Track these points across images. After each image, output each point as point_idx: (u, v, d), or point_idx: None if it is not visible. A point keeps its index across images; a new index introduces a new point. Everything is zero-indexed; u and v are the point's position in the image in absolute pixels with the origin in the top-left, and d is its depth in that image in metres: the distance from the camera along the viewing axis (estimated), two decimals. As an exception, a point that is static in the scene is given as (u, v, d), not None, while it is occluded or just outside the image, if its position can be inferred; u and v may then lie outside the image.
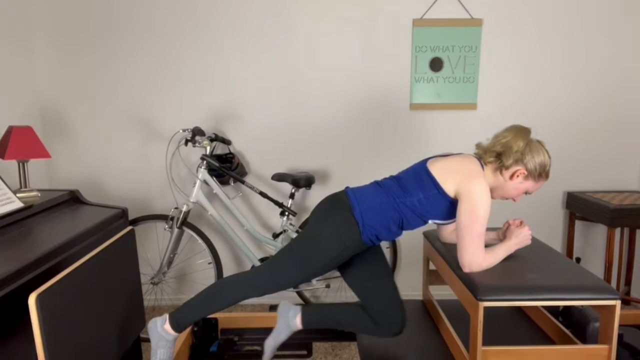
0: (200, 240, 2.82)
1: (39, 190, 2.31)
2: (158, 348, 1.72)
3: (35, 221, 1.98)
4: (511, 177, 1.64)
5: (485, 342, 1.73)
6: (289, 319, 1.76)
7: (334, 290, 3.23)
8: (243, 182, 2.81)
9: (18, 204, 1.93)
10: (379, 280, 1.71)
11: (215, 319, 2.17)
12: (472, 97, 3.00)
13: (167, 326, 1.73)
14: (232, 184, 2.95)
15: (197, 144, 2.71)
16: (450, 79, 2.98)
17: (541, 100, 3.03)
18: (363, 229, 1.63)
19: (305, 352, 2.15)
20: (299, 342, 2.16)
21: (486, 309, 1.50)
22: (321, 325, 1.76)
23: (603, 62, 3.00)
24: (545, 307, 1.89)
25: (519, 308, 2.06)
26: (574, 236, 3.10)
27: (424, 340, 1.82)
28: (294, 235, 2.90)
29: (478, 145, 1.73)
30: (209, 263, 3.07)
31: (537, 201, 3.13)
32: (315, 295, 3.20)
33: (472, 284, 1.50)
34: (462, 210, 1.58)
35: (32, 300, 1.33)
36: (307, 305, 1.80)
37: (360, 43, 2.95)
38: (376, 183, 1.73)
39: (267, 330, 2.19)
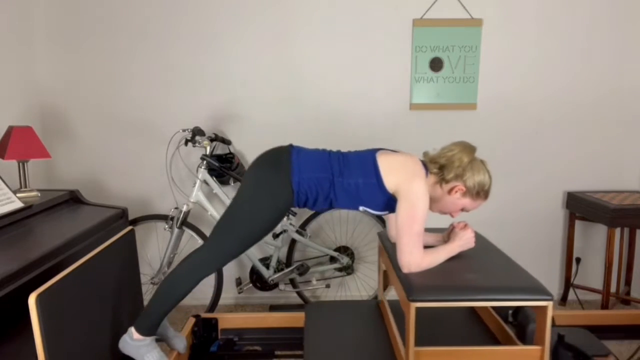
0: (200, 240, 2.82)
1: (39, 190, 2.31)
2: (143, 356, 1.71)
3: (35, 221, 1.98)
4: (449, 191, 1.65)
5: (432, 343, 1.72)
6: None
7: (334, 290, 3.23)
8: (243, 182, 2.81)
9: (18, 204, 1.93)
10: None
11: (215, 319, 2.18)
12: (472, 97, 3.00)
13: (137, 336, 1.72)
14: (232, 184, 2.95)
15: (197, 144, 2.71)
16: (450, 79, 2.98)
17: (541, 100, 3.03)
18: (297, 196, 1.67)
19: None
20: (299, 342, 2.16)
21: (422, 309, 1.47)
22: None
23: (603, 61, 3.00)
24: (494, 308, 1.89)
25: (472, 309, 2.05)
26: (574, 236, 3.10)
27: (371, 341, 1.82)
28: (294, 235, 2.90)
29: (425, 154, 1.74)
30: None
31: (537, 201, 3.13)
32: (315, 295, 3.21)
33: (406, 284, 1.50)
34: (401, 209, 1.59)
35: (32, 300, 1.33)
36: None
37: (360, 43, 2.95)
38: (322, 153, 1.73)
39: (267, 330, 2.19)
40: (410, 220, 1.56)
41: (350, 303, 2.16)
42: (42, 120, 2.99)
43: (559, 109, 3.04)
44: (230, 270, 3.16)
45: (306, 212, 3.12)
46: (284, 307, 3.06)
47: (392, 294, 3.21)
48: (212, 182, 2.76)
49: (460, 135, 3.04)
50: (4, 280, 1.43)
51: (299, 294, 3.08)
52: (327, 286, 3.09)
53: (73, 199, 2.34)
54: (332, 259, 3.03)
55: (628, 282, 3.15)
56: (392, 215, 1.86)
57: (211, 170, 2.77)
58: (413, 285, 1.48)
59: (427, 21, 2.92)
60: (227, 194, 2.83)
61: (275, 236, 2.88)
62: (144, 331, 1.71)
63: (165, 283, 1.71)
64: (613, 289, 3.17)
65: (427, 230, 1.93)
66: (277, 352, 2.15)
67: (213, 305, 2.86)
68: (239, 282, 3.01)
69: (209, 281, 3.21)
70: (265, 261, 2.93)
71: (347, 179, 1.66)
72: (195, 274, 1.70)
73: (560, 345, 1.72)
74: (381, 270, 2.09)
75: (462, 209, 1.70)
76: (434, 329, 1.88)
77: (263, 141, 3.04)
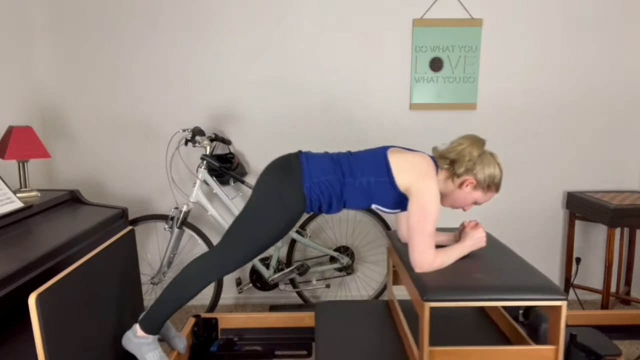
0: (200, 240, 2.82)
1: (39, 190, 2.31)
2: (145, 354, 1.72)
3: (35, 221, 1.98)
4: (460, 185, 1.65)
5: (445, 342, 1.72)
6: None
7: (334, 290, 3.23)
8: (243, 182, 2.82)
9: (18, 204, 1.93)
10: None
11: (215, 319, 2.18)
12: (472, 97, 3.00)
13: (141, 333, 1.73)
14: (232, 184, 2.95)
15: (197, 144, 2.71)
16: (450, 79, 2.98)
17: (541, 100, 3.03)
18: (310, 202, 1.67)
19: (305, 352, 2.16)
20: (299, 342, 2.16)
21: (441, 309, 1.48)
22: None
23: (603, 61, 3.00)
24: (505, 308, 1.89)
25: (481, 309, 2.06)
26: (574, 236, 3.10)
27: (383, 341, 1.82)
28: (294, 235, 2.90)
29: (434, 149, 1.74)
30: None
31: (537, 201, 3.13)
32: (315, 295, 3.21)
33: (420, 284, 1.50)
34: (413, 209, 1.59)
35: (32, 300, 1.33)
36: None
37: (360, 43, 2.95)
38: (330, 157, 1.73)
39: (267, 330, 2.19)
40: (422, 220, 1.56)
41: (359, 302, 2.16)
42: (42, 120, 2.99)
43: (559, 109, 3.04)
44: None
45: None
46: (284, 307, 3.06)
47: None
48: (212, 182, 2.76)
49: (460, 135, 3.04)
50: (4, 280, 1.43)
51: (299, 294, 3.08)
52: (327, 286, 3.09)
53: (73, 199, 2.34)
54: (332, 259, 3.03)
55: (628, 282, 3.15)
56: (402, 214, 1.86)
57: (211, 170, 2.77)
58: (427, 285, 1.48)
59: (427, 21, 2.92)
60: (227, 194, 2.83)
61: (275, 236, 2.87)
62: (148, 329, 1.72)
63: (173, 284, 1.71)
64: (613, 289, 3.17)
65: (438, 229, 1.93)
66: (277, 352, 2.15)
67: (213, 305, 2.86)
68: (239, 282, 3.01)
69: (209, 281, 3.20)
70: (265, 261, 2.93)
71: (358, 178, 1.66)
72: (203, 277, 1.70)
73: (572, 345, 1.72)
74: (390, 270, 2.09)
75: (474, 203, 1.70)
76: (443, 328, 1.88)
77: (263, 141, 3.04)
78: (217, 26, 2.92)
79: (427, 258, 1.57)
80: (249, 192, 3.09)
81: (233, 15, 2.91)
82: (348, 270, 3.04)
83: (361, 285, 3.23)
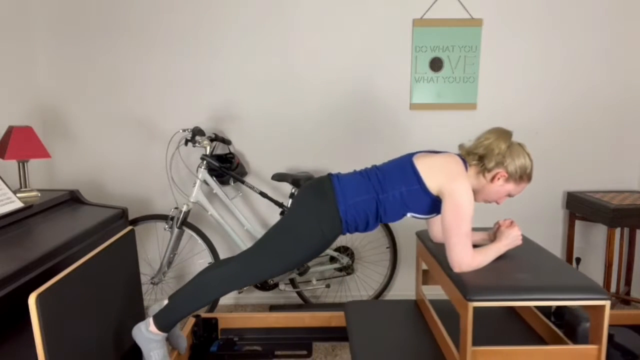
0: (200, 240, 2.82)
1: (39, 190, 2.31)
2: (150, 351, 1.72)
3: (35, 221, 1.98)
4: (492, 179, 1.65)
5: (477, 342, 1.73)
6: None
7: (334, 290, 3.23)
8: (243, 182, 2.82)
9: (18, 204, 1.93)
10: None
11: (215, 319, 2.18)
12: (472, 97, 3.00)
13: (153, 328, 1.73)
14: (232, 184, 2.95)
15: (197, 144, 2.71)
16: (450, 79, 2.98)
17: (541, 100, 3.03)
18: (346, 225, 1.67)
19: (305, 352, 2.15)
20: (299, 342, 2.16)
21: (477, 309, 1.49)
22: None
23: (603, 62, 3.00)
24: (537, 308, 1.89)
25: (511, 308, 2.06)
26: (574, 236, 3.10)
27: (417, 341, 1.82)
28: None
29: (461, 147, 1.73)
30: (209, 263, 3.06)
31: (537, 201, 3.13)
32: (315, 295, 3.21)
33: (462, 284, 1.50)
34: (446, 210, 1.58)
35: (32, 300, 1.33)
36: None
37: (360, 43, 2.95)
38: (360, 175, 1.72)
39: (267, 330, 2.19)
40: (458, 220, 1.56)
41: (387, 302, 2.17)
42: (42, 120, 2.99)
43: (559, 109, 3.04)
44: (230, 270, 3.15)
45: (306, 212, 3.11)
46: (284, 307, 3.06)
47: (394, 293, 3.21)
48: (212, 182, 2.76)
49: (460, 135, 3.04)
50: (4, 280, 1.43)
51: (299, 294, 3.08)
52: (327, 286, 3.09)
53: (73, 199, 2.34)
54: (332, 259, 3.03)
55: (628, 282, 3.15)
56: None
57: (211, 170, 2.77)
58: (470, 285, 1.47)
59: (427, 21, 2.92)
60: (227, 194, 2.83)
61: (275, 236, 2.87)
62: (161, 326, 1.72)
63: (191, 286, 1.71)
64: (613, 289, 3.17)
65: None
66: (277, 352, 2.15)
67: (213, 305, 2.87)
68: (239, 282, 3.00)
69: (209, 281, 3.20)
70: (265, 261, 2.92)
71: (390, 191, 1.66)
72: (224, 285, 1.70)
73: (610, 345, 1.71)
74: (420, 270, 2.09)
75: (508, 195, 1.69)
76: (475, 327, 1.88)
77: (263, 141, 3.04)
78: (217, 26, 2.92)
79: (466, 258, 1.56)
80: (248, 192, 3.09)
81: (233, 16, 2.91)
82: (348, 270, 3.04)
83: (361, 285, 3.23)
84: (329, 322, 2.17)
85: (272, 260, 1.67)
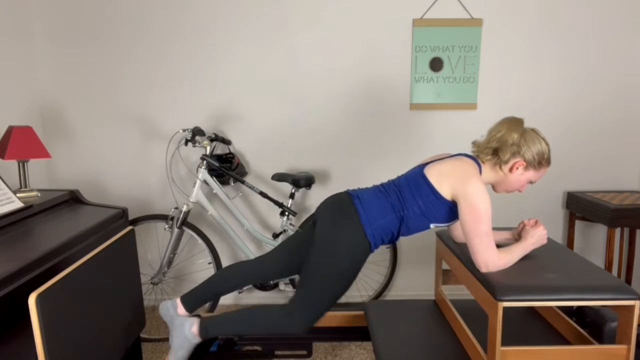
0: (200, 240, 2.82)
1: (39, 190, 2.31)
2: (181, 348, 1.75)
3: (35, 221, 1.98)
4: (510, 170, 1.65)
5: (501, 342, 1.73)
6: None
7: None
8: (243, 182, 2.81)
9: (18, 204, 1.93)
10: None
11: (215, 319, 2.17)
12: (472, 97, 3.00)
13: (195, 330, 1.75)
14: (232, 184, 2.95)
15: (197, 144, 2.71)
16: (450, 79, 2.98)
17: (541, 101, 3.03)
18: (374, 246, 1.70)
19: (305, 352, 2.15)
20: (299, 342, 2.16)
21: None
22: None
23: (603, 62, 3.00)
24: (559, 307, 1.89)
25: (532, 307, 2.06)
26: (574, 236, 3.10)
27: (439, 340, 1.82)
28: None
29: (474, 143, 1.73)
30: (209, 263, 3.06)
31: (537, 201, 3.13)
32: (315, 295, 3.20)
33: (491, 284, 1.49)
34: (464, 213, 1.58)
35: (32, 300, 1.33)
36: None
37: (360, 43, 2.95)
38: (380, 192, 1.73)
39: (267, 330, 2.18)
40: (476, 221, 1.55)
41: (407, 302, 2.17)
42: (42, 120, 2.99)
43: (559, 109, 3.04)
44: (230, 270, 3.15)
45: (306, 212, 3.12)
46: (284, 307, 3.05)
47: (394, 293, 3.21)
48: (212, 182, 2.76)
49: (460, 135, 3.04)
50: (4, 280, 1.43)
51: (299, 294, 3.07)
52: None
53: (73, 199, 2.34)
54: (332, 259, 3.02)
55: (628, 282, 3.15)
56: None
57: (211, 170, 2.77)
58: (499, 285, 1.47)
59: (427, 21, 2.92)
60: (227, 194, 2.83)
61: (275, 236, 2.87)
62: (203, 332, 1.76)
63: (256, 312, 1.74)
64: (613, 289, 3.17)
65: (494, 229, 1.92)
66: (277, 352, 2.15)
67: (213, 305, 2.86)
68: (239, 282, 3.00)
69: (209, 281, 3.20)
70: (265, 261, 2.92)
71: (411, 207, 1.67)
72: (273, 328, 1.72)
73: (637, 344, 1.71)
74: (440, 270, 2.09)
75: (529, 182, 1.69)
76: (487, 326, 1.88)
77: (263, 141, 3.04)
78: (217, 26, 2.92)
79: (492, 257, 1.55)
80: (248, 192, 3.09)
81: (233, 16, 2.91)
82: (348, 270, 3.03)
83: (361, 285, 3.23)
84: (329, 322, 2.17)
85: (326, 297, 1.68)
